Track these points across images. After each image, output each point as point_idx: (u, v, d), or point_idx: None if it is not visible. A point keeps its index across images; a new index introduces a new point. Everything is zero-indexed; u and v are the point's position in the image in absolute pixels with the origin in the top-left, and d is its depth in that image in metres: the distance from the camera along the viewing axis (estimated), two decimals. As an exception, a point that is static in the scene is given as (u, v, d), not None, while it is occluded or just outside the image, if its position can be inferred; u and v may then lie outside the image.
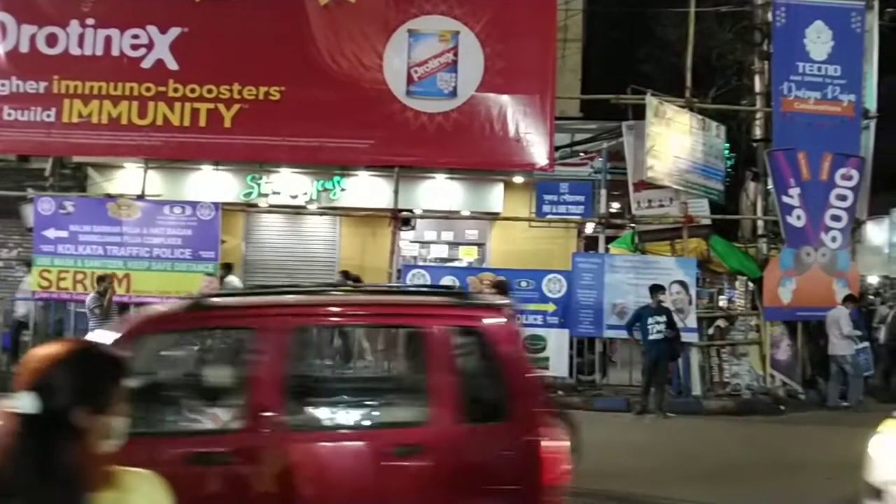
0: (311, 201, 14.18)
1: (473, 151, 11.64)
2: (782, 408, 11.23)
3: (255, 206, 14.09)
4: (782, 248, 12.04)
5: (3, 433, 1.62)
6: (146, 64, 11.53)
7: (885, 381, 12.57)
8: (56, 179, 12.52)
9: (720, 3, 14.40)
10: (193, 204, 11.68)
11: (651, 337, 10.48)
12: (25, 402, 1.62)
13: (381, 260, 12.17)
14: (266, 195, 14.16)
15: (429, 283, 11.40)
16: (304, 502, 3.54)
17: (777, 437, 9.70)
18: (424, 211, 13.87)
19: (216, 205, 11.68)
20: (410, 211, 13.33)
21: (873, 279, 17.35)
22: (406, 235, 14.12)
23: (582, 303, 11.48)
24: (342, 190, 14.15)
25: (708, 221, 12.82)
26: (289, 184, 14.17)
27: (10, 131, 11.66)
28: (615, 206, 15.83)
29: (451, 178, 14.12)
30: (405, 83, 11.43)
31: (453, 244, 15.37)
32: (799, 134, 11.89)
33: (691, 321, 11.43)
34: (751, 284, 12.96)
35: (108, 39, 11.58)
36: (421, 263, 13.97)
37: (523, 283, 11.55)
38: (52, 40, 11.60)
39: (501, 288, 7.28)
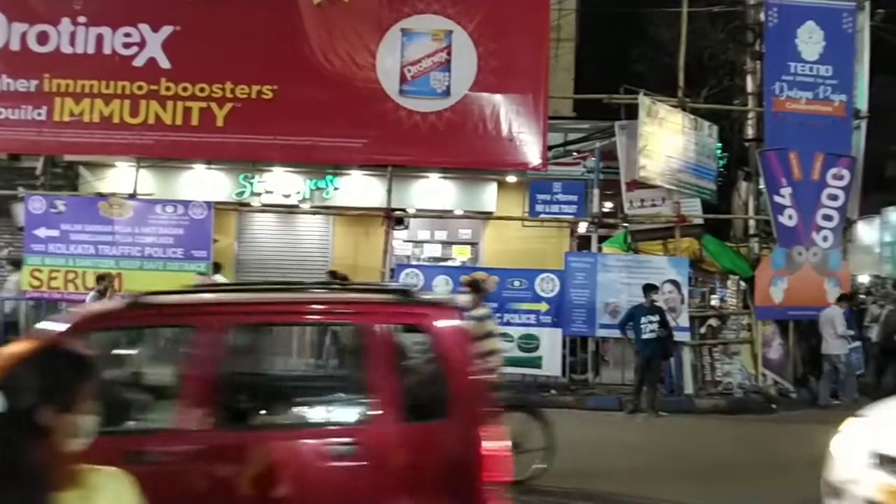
0: (303, 200, 14.16)
1: (467, 151, 11.64)
2: (774, 406, 11.28)
3: (248, 205, 14.05)
4: (774, 247, 12.09)
5: None
6: (138, 62, 11.49)
7: (876, 379, 12.64)
8: (47, 178, 12.48)
9: (712, 3, 14.44)
10: (185, 203, 11.65)
11: (644, 336, 10.50)
12: None
13: (375, 259, 12.17)
14: (258, 194, 14.13)
15: (422, 282, 11.43)
16: (236, 502, 3.50)
17: (769, 436, 9.73)
18: (418, 210, 13.87)
19: (208, 204, 11.65)
20: (404, 210, 13.32)
21: (864, 278, 17.44)
22: (399, 235, 14.10)
23: (575, 302, 11.50)
24: (335, 189, 14.13)
25: (700, 221, 12.87)
26: (281, 183, 14.14)
27: (0, 130, 11.60)
28: (608, 205, 15.87)
29: (445, 178, 14.12)
30: (398, 82, 11.43)
31: (446, 243, 15.37)
32: (791, 134, 11.94)
33: (683, 320, 11.47)
34: (742, 284, 13.01)
35: (99, 38, 11.53)
36: (414, 263, 13.97)
37: (516, 283, 11.57)
38: (43, 38, 11.55)
39: (475, 286, 7.26)
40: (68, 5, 11.57)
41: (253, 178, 14.06)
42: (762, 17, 12.44)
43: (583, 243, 15.66)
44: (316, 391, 4.53)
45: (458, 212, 14.54)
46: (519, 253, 13.46)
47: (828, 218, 11.97)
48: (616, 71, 16.62)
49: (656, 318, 10.55)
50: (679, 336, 11.22)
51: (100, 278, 10.58)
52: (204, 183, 13.81)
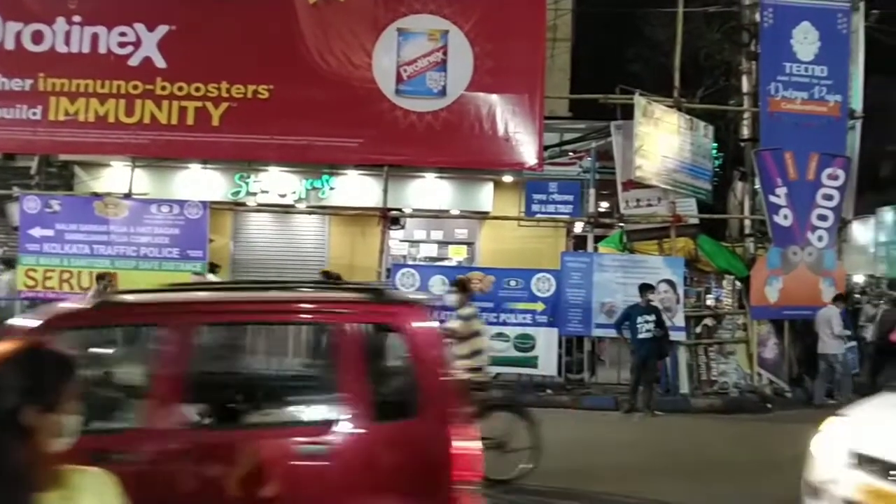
0: (299, 200, 14.14)
1: (463, 151, 11.64)
2: (769, 406, 11.31)
3: (244, 204, 14.03)
4: (769, 247, 12.12)
5: None
6: (133, 62, 11.47)
7: (871, 379, 12.67)
8: (42, 178, 12.43)
9: (708, 3, 14.47)
10: (181, 203, 11.63)
11: (640, 336, 10.52)
12: None
13: (371, 259, 12.16)
14: (254, 194, 14.11)
15: (418, 282, 11.43)
16: (204, 502, 3.48)
17: (764, 435, 9.75)
18: (414, 210, 13.86)
19: (204, 203, 11.63)
20: (400, 210, 13.31)
21: (859, 278, 17.49)
22: (395, 235, 14.10)
23: (571, 302, 11.51)
24: (331, 189, 14.12)
25: (696, 221, 12.89)
26: (277, 182, 14.13)
27: (-5, 129, 11.57)
28: (604, 205, 15.89)
29: (441, 178, 14.12)
30: (394, 82, 11.42)
31: (443, 243, 15.37)
32: (786, 134, 11.97)
33: (679, 320, 11.49)
34: (738, 283, 13.04)
35: (94, 37, 11.51)
36: (410, 263, 13.96)
37: (512, 282, 11.58)
38: (37, 37, 11.52)
39: (462, 286, 7.27)
40: (63, 4, 11.54)
41: (249, 177, 14.04)
42: (757, 17, 12.47)
43: (579, 243, 15.67)
44: (286, 391, 4.49)
45: (455, 212, 14.54)
46: (515, 253, 13.46)
47: (823, 218, 12.01)
48: (612, 71, 16.63)
49: (652, 317, 10.56)
50: (675, 336, 11.24)
51: (99, 277, 10.54)
52: (199, 182, 13.79)
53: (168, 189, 13.53)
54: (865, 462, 4.70)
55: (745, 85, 13.13)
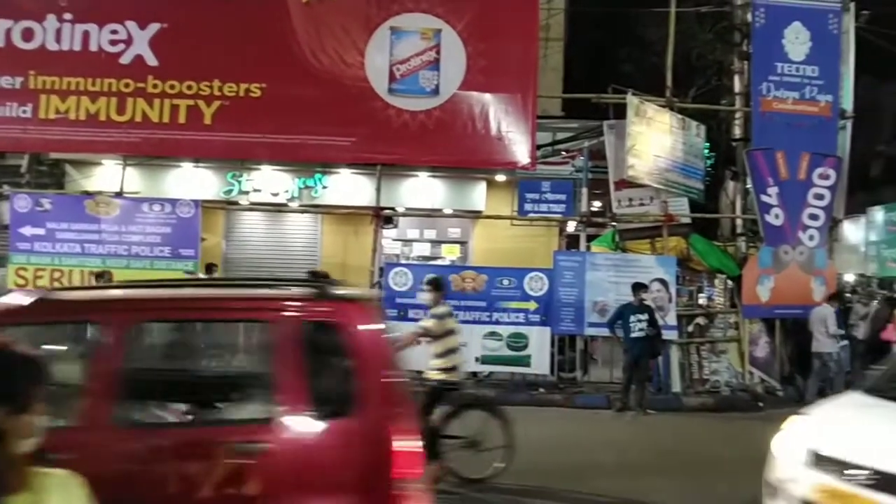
0: (292, 199, 14.11)
1: (456, 150, 11.64)
2: (761, 404, 11.36)
3: (236, 203, 13.99)
4: (761, 246, 12.17)
5: None
6: (125, 60, 11.41)
7: (862, 377, 12.73)
8: (33, 176, 12.37)
9: (700, 3, 14.51)
10: (173, 201, 11.58)
11: (633, 335, 10.54)
12: None
13: (364, 258, 12.15)
14: (247, 192, 14.07)
15: (411, 281, 11.42)
16: (135, 502, 3.44)
17: (755, 433, 9.73)
18: (407, 209, 13.85)
19: (196, 202, 11.59)
20: (393, 209, 13.30)
21: (850, 277, 17.59)
22: (388, 233, 14.08)
23: (563, 301, 11.53)
24: (324, 188, 14.09)
25: (688, 220, 12.93)
26: (270, 181, 14.09)
27: (-15, 127, 11.50)
28: (596, 204, 15.91)
29: (434, 177, 14.11)
30: (387, 81, 11.41)
31: (436, 242, 15.37)
32: (777, 134, 12.02)
33: (671, 319, 11.53)
34: (730, 282, 13.10)
35: (85, 34, 11.44)
36: (403, 261, 13.95)
37: (505, 281, 11.59)
38: (28, 35, 11.45)
39: (436, 285, 7.29)
40: (54, 2, 11.48)
41: (241, 176, 14.00)
42: (749, 17, 12.52)
43: (571, 242, 15.69)
44: (224, 388, 4.45)
45: (448, 211, 14.54)
46: (508, 252, 13.48)
47: (814, 217, 12.07)
48: (604, 70, 16.71)
49: (645, 316, 10.59)
50: (667, 334, 11.28)
51: (98, 276, 10.49)
52: (191, 181, 13.74)
53: (160, 188, 13.47)
54: (823, 461, 4.65)
55: (737, 85, 13.20)
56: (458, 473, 6.66)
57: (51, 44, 11.43)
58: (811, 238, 12.03)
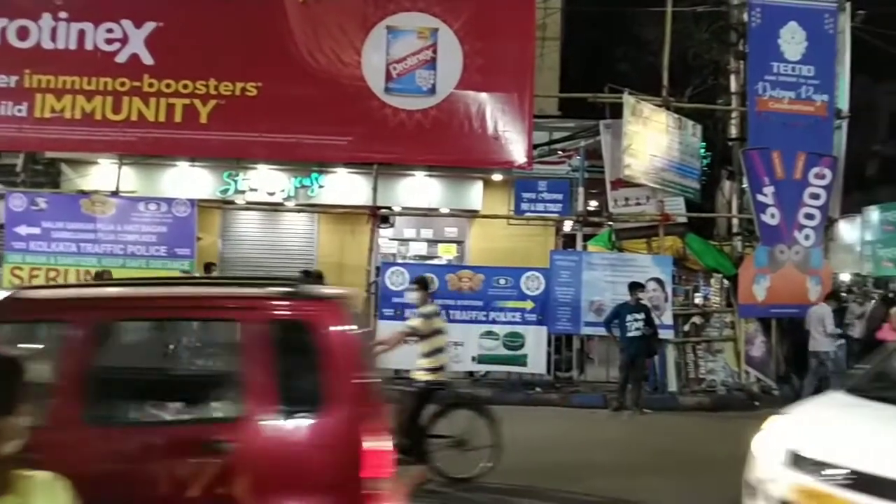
0: (288, 198, 14.09)
1: (452, 149, 11.63)
2: (757, 403, 11.37)
3: (232, 202, 13.96)
4: (757, 245, 12.19)
5: None
6: (120, 58, 11.39)
7: (857, 376, 12.76)
8: (28, 175, 12.32)
9: (697, 3, 14.51)
10: (169, 200, 11.56)
11: (629, 334, 10.56)
12: None
13: (360, 257, 12.14)
14: (243, 192, 14.04)
15: (407, 280, 11.39)
16: (103, 501, 3.48)
17: (751, 432, 9.76)
18: (403, 208, 13.85)
19: (192, 201, 11.56)
20: (389, 208, 13.30)
21: (845, 277, 17.62)
22: (385, 233, 14.08)
23: (560, 300, 11.53)
24: (320, 187, 14.08)
25: (684, 219, 12.96)
26: (266, 180, 14.07)
27: (-20, 126, 11.46)
28: (593, 203, 15.93)
29: (430, 176, 14.11)
30: (384, 80, 11.40)
31: (432, 241, 15.36)
32: (773, 133, 12.05)
33: (667, 318, 11.54)
34: (726, 282, 13.11)
35: (81, 33, 11.41)
36: (400, 261, 13.95)
37: (502, 281, 11.59)
38: (23, 33, 11.41)
39: (422, 284, 7.29)
40: (49, 0, 11.44)
41: (237, 175, 13.97)
42: (745, 17, 12.54)
43: (568, 242, 15.69)
44: (193, 387, 4.44)
45: (444, 210, 14.54)
46: (504, 251, 13.48)
47: (810, 217, 12.09)
48: (601, 70, 16.71)
49: (641, 316, 10.60)
50: (663, 334, 11.30)
51: (98, 275, 10.46)
52: (187, 180, 13.71)
53: (156, 187, 13.44)
54: (801, 462, 4.63)
55: (733, 84, 13.21)
56: (445, 473, 6.65)
57: (46, 42, 11.40)
58: (807, 237, 12.05)
